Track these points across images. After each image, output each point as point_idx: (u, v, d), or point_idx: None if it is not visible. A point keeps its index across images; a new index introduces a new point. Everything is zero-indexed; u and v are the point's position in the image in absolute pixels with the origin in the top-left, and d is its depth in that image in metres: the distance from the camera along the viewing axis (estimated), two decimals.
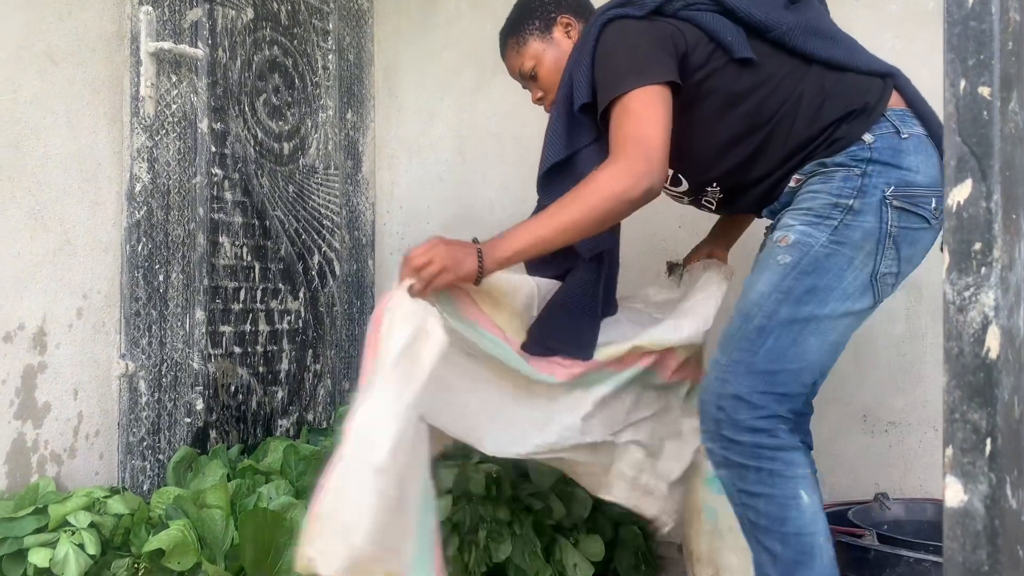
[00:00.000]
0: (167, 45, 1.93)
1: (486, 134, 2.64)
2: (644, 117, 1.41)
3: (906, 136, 1.41)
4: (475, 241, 1.45)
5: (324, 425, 2.45)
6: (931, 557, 1.68)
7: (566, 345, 1.58)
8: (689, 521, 1.81)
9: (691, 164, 1.56)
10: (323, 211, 2.52)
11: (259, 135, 2.28)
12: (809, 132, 1.45)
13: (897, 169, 1.38)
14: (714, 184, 1.57)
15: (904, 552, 1.71)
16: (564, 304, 1.61)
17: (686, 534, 1.83)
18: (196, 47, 2.04)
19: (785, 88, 1.47)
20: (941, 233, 1.28)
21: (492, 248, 1.43)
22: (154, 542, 1.54)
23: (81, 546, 1.51)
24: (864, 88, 1.45)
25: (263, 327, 2.27)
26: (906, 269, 1.43)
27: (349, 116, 2.65)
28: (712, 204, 1.64)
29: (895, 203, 1.38)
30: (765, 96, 1.47)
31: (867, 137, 1.41)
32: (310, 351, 2.45)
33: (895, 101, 1.45)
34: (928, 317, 2.11)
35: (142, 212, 1.92)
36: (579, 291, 1.61)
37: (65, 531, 1.53)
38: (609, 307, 1.68)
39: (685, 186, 1.60)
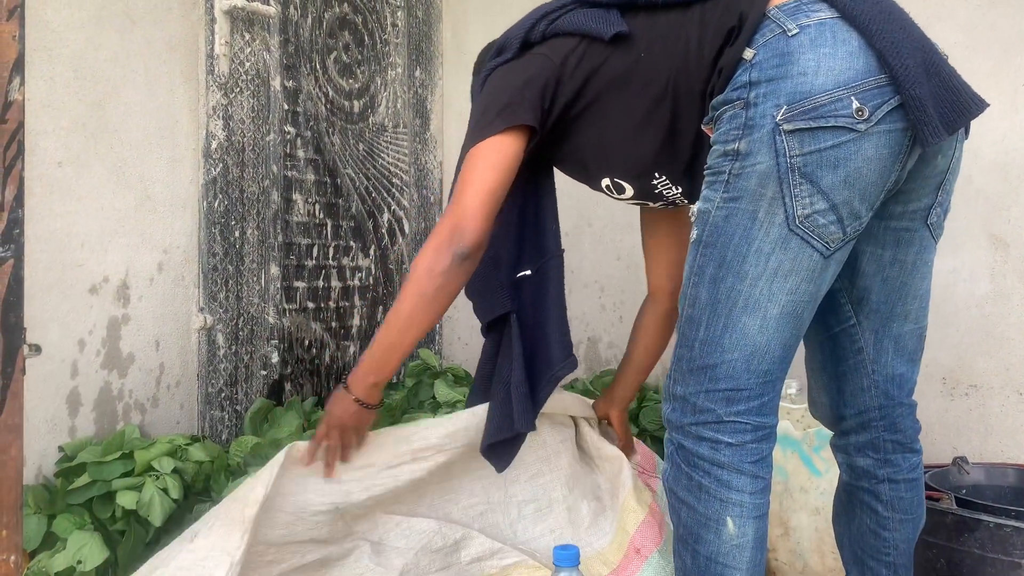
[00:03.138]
0: (240, 3, 1.95)
1: None
2: (465, 177, 1.37)
3: (794, 32, 1.12)
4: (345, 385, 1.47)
5: (394, 380, 2.48)
6: (1012, 522, 1.64)
7: (499, 428, 1.49)
8: None
9: (619, 165, 1.42)
10: (392, 169, 2.53)
11: (330, 93, 2.29)
12: (702, 76, 1.24)
13: (785, 80, 1.11)
14: (657, 175, 1.39)
15: (984, 517, 1.67)
16: (489, 387, 1.55)
17: None
18: (268, 4, 2.06)
19: (670, 42, 1.28)
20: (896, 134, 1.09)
21: (354, 379, 1.45)
22: (233, 488, 1.60)
23: (165, 490, 1.57)
24: None
25: (335, 283, 2.31)
26: (846, 196, 1.13)
27: (418, 74, 2.64)
28: (680, 198, 1.46)
29: (787, 127, 1.10)
30: (653, 60, 1.29)
31: (747, 53, 1.15)
32: (380, 308, 2.48)
33: None
34: (1015, 276, 2.02)
35: (218, 169, 1.96)
36: (487, 366, 1.58)
37: (150, 476, 1.59)
38: (547, 364, 1.54)
39: (630, 191, 1.46)
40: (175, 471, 1.61)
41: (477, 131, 1.39)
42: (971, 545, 1.68)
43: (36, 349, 1.05)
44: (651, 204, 1.51)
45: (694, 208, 1.24)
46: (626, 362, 1.82)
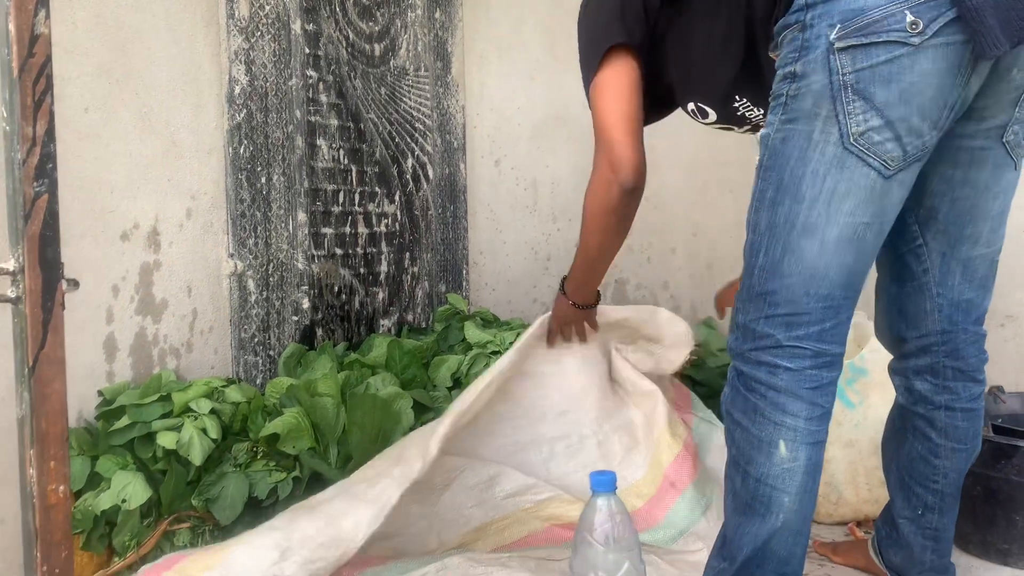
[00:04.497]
0: None
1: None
2: (599, 112, 1.43)
3: None
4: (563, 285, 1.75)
5: (424, 325, 2.49)
6: None
7: None
8: None
9: (702, 87, 1.43)
10: (415, 114, 2.51)
11: (351, 36, 2.27)
12: (767, 1, 1.26)
13: (840, 0, 1.11)
14: (738, 98, 1.42)
15: (1021, 443, 1.66)
16: None
17: None
18: None
19: None
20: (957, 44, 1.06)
21: (569, 289, 1.72)
22: (270, 427, 1.62)
23: (204, 430, 1.59)
24: None
25: (362, 229, 2.31)
26: (902, 113, 1.11)
27: (437, 15, 2.61)
28: (763, 120, 1.46)
29: (840, 45, 1.10)
30: None
31: None
32: (407, 254, 2.48)
33: None
34: None
35: (242, 115, 1.95)
36: None
37: (188, 417, 1.61)
38: None
39: (713, 116, 1.48)
40: (212, 412, 1.63)
41: (587, 63, 1.45)
42: (1008, 472, 1.67)
43: (74, 284, 1.05)
44: (737, 129, 1.51)
45: (758, 134, 1.24)
46: None
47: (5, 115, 0.98)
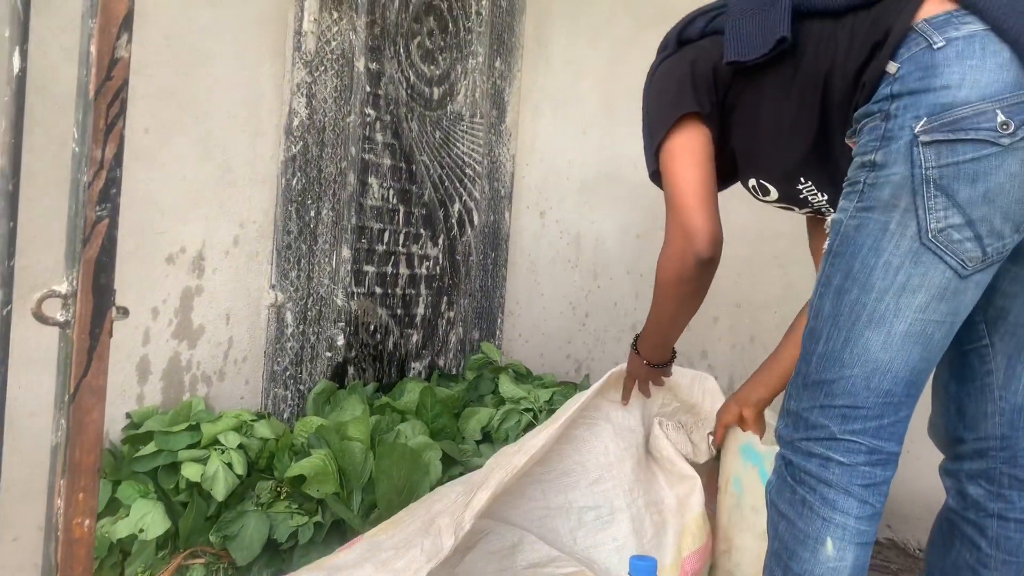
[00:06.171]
0: None
1: (636, 88, 2.54)
2: (673, 179, 1.39)
3: (940, 45, 1.08)
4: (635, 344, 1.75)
5: (454, 371, 2.45)
6: None
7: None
8: (720, 489, 1.75)
9: (765, 165, 1.40)
10: (466, 160, 2.50)
11: (411, 78, 2.27)
12: (847, 87, 1.21)
13: (927, 93, 1.07)
14: (803, 180, 1.38)
15: None
16: None
17: (717, 504, 1.77)
18: None
19: (821, 49, 1.25)
20: None
21: (642, 348, 1.71)
22: (296, 468, 1.58)
23: (230, 465, 1.55)
24: (889, 10, 1.16)
25: (403, 270, 2.28)
26: (985, 213, 1.07)
27: (498, 64, 2.61)
28: (825, 206, 1.43)
29: (925, 139, 1.07)
30: (804, 65, 1.27)
31: (890, 67, 1.12)
32: (445, 298, 2.45)
33: (934, 6, 1.11)
34: None
35: (298, 147, 1.94)
36: None
37: (215, 449, 1.58)
38: None
39: (775, 194, 1.44)
40: (240, 446, 1.59)
41: (654, 130, 1.41)
42: None
43: (124, 312, 1.03)
44: (797, 210, 1.47)
45: (829, 219, 1.20)
46: (772, 363, 1.76)
47: (76, 136, 0.97)
